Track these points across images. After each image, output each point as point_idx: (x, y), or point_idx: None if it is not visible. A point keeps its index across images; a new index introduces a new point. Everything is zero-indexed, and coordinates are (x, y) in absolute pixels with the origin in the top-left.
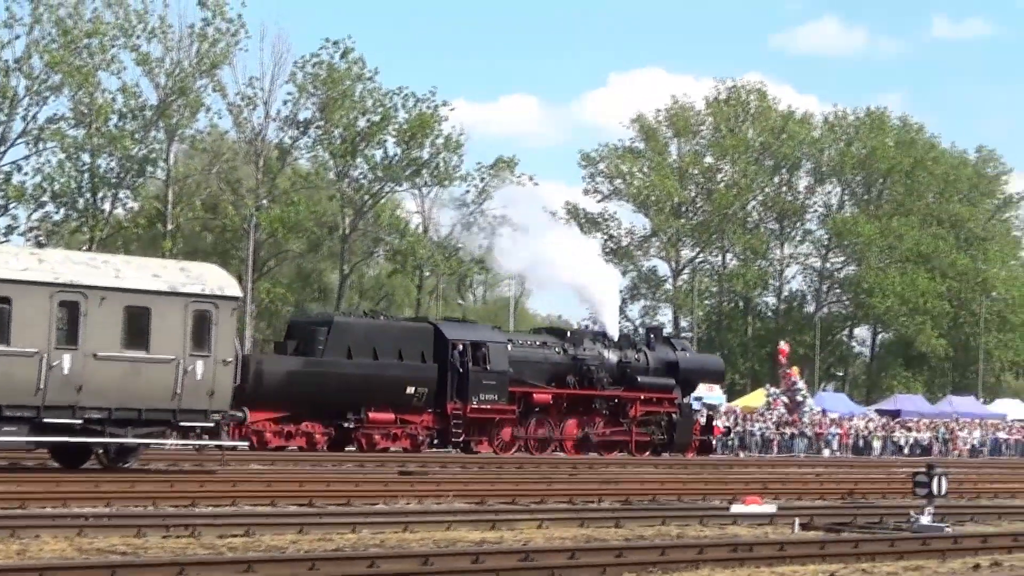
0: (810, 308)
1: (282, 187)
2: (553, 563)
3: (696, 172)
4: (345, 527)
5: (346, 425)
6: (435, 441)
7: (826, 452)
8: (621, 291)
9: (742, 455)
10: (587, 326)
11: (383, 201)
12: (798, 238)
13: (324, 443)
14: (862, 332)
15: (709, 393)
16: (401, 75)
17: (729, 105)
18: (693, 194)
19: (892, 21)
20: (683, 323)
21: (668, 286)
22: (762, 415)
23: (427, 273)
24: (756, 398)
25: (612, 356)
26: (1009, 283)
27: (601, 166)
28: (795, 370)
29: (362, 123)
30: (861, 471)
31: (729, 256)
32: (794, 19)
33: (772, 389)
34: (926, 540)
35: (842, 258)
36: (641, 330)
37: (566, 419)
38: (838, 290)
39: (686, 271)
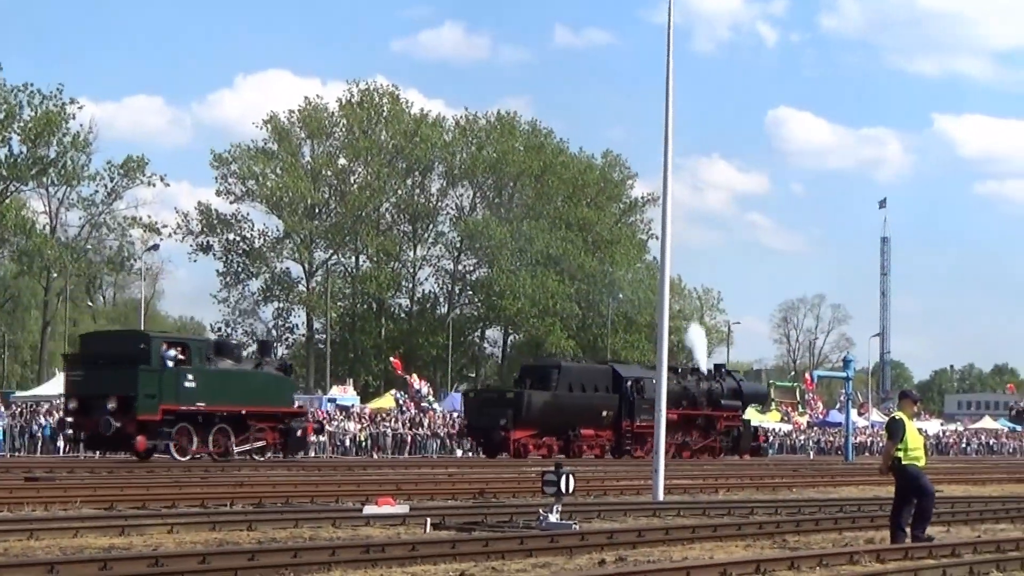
0: (443, 310)
1: None
2: (184, 568)
3: (329, 174)
4: None
5: (569, 438)
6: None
7: (459, 452)
8: (254, 293)
9: (376, 456)
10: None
11: (8, 201)
12: (431, 240)
13: (558, 450)
14: (494, 333)
15: (342, 395)
16: (26, 72)
17: (362, 108)
18: (327, 196)
19: (515, 29)
20: (316, 325)
21: (301, 288)
22: (396, 416)
23: (55, 275)
24: (388, 400)
25: (704, 385)
26: (635, 285)
27: (233, 167)
28: (414, 377)
29: None
30: (493, 471)
31: (362, 258)
32: (416, 25)
33: (400, 394)
34: (554, 537)
35: (474, 260)
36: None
37: (678, 432)
38: (470, 292)
39: (319, 273)
